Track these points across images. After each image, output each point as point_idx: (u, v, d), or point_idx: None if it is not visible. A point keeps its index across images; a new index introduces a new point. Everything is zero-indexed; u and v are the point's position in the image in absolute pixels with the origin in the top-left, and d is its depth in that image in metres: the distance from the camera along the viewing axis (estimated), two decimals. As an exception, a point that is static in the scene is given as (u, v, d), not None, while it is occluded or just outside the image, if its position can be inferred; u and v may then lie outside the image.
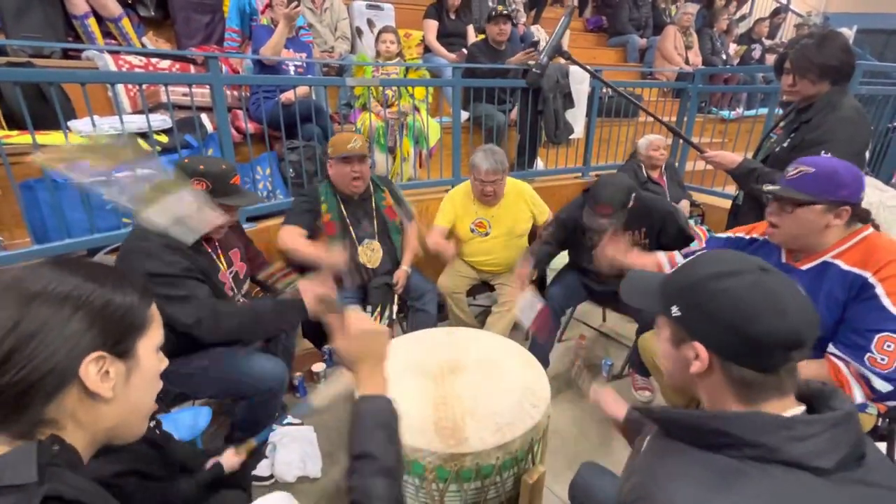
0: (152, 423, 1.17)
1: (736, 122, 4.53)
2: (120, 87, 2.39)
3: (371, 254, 2.09)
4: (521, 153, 3.22)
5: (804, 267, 1.20)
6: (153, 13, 2.89)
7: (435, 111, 3.27)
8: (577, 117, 3.24)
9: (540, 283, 2.54)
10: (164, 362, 0.66)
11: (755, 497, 0.54)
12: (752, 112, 4.62)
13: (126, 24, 2.68)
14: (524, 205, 2.33)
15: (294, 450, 1.69)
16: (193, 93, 2.06)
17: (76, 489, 0.48)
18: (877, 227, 1.18)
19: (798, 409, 0.62)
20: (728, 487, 0.55)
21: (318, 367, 2.21)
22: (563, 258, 2.33)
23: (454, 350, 1.57)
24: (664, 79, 4.62)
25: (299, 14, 2.58)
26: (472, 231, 2.29)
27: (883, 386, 1.06)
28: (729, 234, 1.45)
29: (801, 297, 0.62)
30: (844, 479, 0.55)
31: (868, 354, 1.06)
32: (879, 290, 1.07)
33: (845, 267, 1.13)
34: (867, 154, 1.64)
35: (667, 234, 1.97)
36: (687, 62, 4.84)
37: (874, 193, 2.92)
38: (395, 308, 2.14)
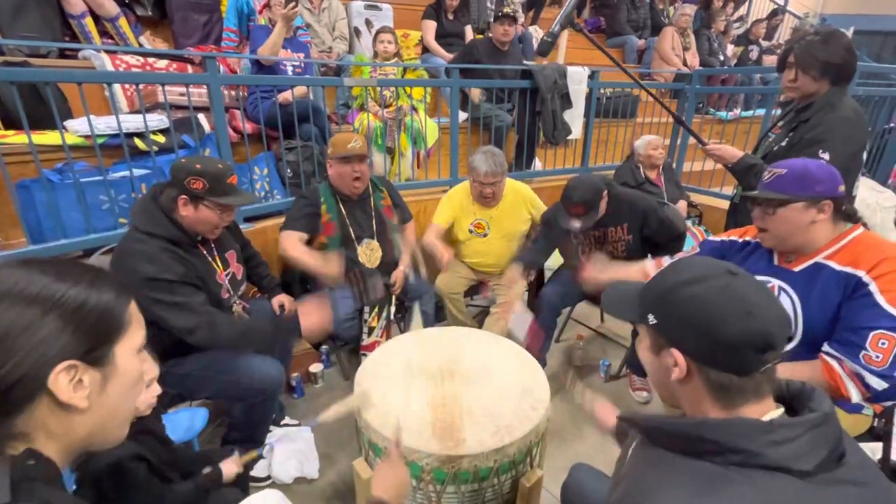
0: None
1: (733, 123, 4.55)
2: (117, 87, 2.38)
3: (370, 253, 2.09)
4: (519, 153, 3.22)
5: (797, 268, 1.20)
6: (150, 13, 2.88)
7: (433, 111, 3.27)
8: (574, 118, 3.25)
9: (539, 284, 2.54)
10: (147, 362, 0.62)
11: (741, 503, 0.54)
12: (750, 113, 4.63)
13: (123, 23, 2.67)
14: (523, 206, 2.33)
15: (291, 451, 1.69)
16: (191, 93, 2.06)
17: None
18: (865, 226, 1.19)
19: (777, 412, 0.63)
20: (714, 494, 0.55)
21: (316, 367, 2.20)
22: (558, 258, 2.33)
23: (452, 351, 1.56)
24: (662, 80, 4.63)
25: (297, 14, 2.58)
26: (471, 232, 2.29)
27: (878, 383, 1.06)
28: (723, 237, 1.46)
29: (770, 298, 0.64)
30: (827, 480, 0.55)
31: (863, 352, 1.06)
32: (873, 288, 1.07)
33: (838, 267, 1.13)
34: (864, 155, 1.65)
35: (649, 228, 1.97)
36: (685, 63, 4.85)
37: (871, 195, 2.94)
38: (394, 308, 2.14)
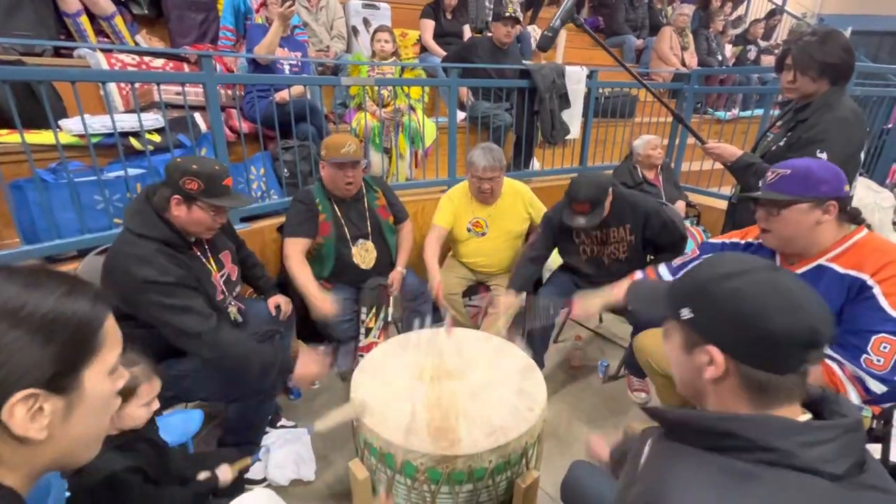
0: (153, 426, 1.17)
1: (732, 123, 4.54)
2: (112, 86, 2.36)
3: (365, 254, 2.07)
4: (518, 153, 3.21)
5: (799, 271, 1.19)
6: (146, 11, 2.87)
7: (431, 111, 3.26)
8: (573, 117, 3.24)
9: (537, 284, 2.53)
10: (122, 380, 0.54)
11: (771, 501, 0.53)
12: (748, 113, 4.63)
13: (119, 22, 2.65)
14: (521, 205, 2.32)
15: (287, 453, 1.67)
16: (187, 92, 2.04)
17: None
18: (869, 227, 1.18)
19: (806, 416, 0.62)
20: (743, 491, 0.54)
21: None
22: (558, 258, 2.32)
23: (449, 351, 1.56)
24: (660, 80, 4.62)
25: (294, 13, 2.56)
26: (469, 231, 2.28)
27: (878, 387, 1.05)
28: (724, 239, 1.45)
29: (814, 294, 0.62)
30: (855, 485, 0.55)
31: (864, 356, 1.06)
32: (877, 291, 1.06)
33: (842, 270, 1.12)
34: (862, 155, 1.65)
35: (651, 229, 1.96)
36: (683, 63, 4.85)
37: (869, 195, 2.95)
38: (392, 309, 2.13)
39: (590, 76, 3.24)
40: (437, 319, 2.32)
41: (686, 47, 4.96)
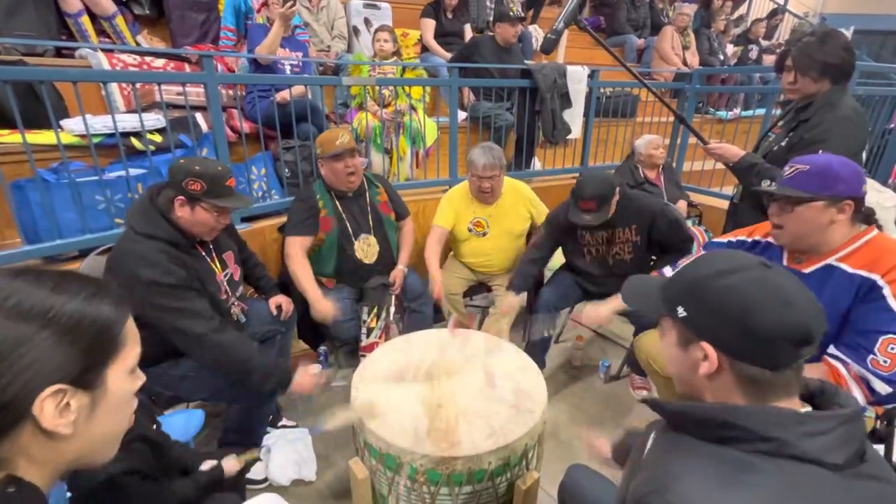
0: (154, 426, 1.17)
1: (733, 123, 4.54)
2: (113, 86, 2.36)
3: (367, 248, 2.08)
4: (519, 153, 3.21)
5: (807, 270, 1.18)
6: (148, 11, 2.87)
7: (432, 111, 3.26)
8: (574, 117, 3.23)
9: (538, 284, 2.53)
10: (140, 380, 0.57)
11: (772, 490, 0.54)
12: (750, 112, 4.62)
13: (120, 22, 2.65)
14: (522, 205, 2.32)
15: (289, 453, 1.68)
16: (188, 92, 2.04)
17: None
18: (879, 228, 1.17)
19: (805, 409, 0.62)
20: (743, 481, 0.55)
21: (314, 368, 2.19)
22: (559, 258, 2.31)
23: (450, 351, 1.56)
24: (662, 79, 4.61)
25: (295, 13, 2.56)
26: (470, 230, 2.28)
27: (883, 388, 1.05)
28: (729, 237, 1.44)
29: (806, 291, 0.62)
30: (854, 474, 0.55)
31: (871, 356, 1.05)
32: (887, 292, 1.05)
33: (851, 270, 1.11)
34: (864, 155, 1.64)
35: (658, 230, 1.96)
36: (684, 63, 4.84)
37: (872, 194, 2.92)
38: (393, 309, 2.13)
39: (591, 76, 3.23)
40: (439, 319, 2.32)
41: (687, 47, 4.95)
